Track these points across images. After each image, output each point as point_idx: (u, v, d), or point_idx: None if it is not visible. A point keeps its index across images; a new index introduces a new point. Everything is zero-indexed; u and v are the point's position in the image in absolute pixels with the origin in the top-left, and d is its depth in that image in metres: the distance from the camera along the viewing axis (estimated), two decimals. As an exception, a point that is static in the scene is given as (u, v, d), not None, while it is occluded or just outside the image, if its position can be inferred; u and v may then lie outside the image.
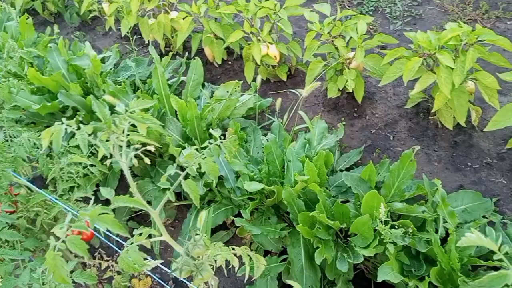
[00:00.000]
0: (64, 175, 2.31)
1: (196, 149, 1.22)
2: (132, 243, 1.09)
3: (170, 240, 1.21)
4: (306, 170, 2.31)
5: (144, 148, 1.12)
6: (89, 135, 1.29)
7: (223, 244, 1.18)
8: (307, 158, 2.40)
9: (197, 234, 1.14)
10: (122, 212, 2.86)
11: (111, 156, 2.85)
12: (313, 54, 3.02)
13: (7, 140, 2.20)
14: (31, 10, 5.06)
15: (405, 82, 2.56)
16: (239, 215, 2.50)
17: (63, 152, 2.44)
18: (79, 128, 1.11)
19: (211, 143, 1.22)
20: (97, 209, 1.02)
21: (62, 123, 1.06)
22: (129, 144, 1.21)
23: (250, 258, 1.21)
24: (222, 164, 2.58)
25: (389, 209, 2.09)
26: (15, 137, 2.31)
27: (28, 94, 2.98)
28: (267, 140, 2.65)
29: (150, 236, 1.12)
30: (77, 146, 2.53)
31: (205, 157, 1.17)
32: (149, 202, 2.66)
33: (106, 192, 1.10)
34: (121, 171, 2.85)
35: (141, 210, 2.80)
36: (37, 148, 2.30)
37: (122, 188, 2.84)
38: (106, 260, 2.26)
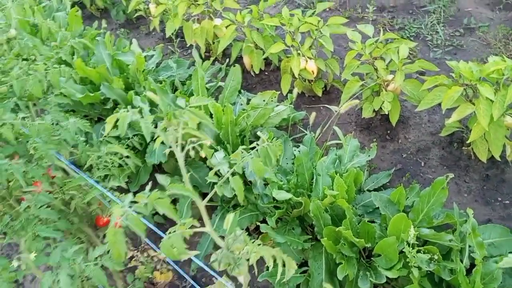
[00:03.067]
0: (100, 164, 2.38)
1: (242, 150, 1.27)
2: (175, 231, 1.14)
3: (211, 231, 1.26)
4: (336, 185, 2.33)
5: (200, 142, 1.17)
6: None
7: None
8: (337, 174, 2.42)
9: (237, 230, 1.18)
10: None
11: (146, 149, 2.89)
12: (351, 73, 3.06)
13: (52, 124, 2.30)
14: (78, 3, 5.25)
15: (443, 110, 2.57)
16: (263, 222, 2.53)
17: (101, 141, 2.53)
18: (142, 116, 1.17)
19: (258, 145, 1.27)
20: (155, 194, 1.08)
21: (128, 111, 1.12)
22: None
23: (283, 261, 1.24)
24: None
25: (417, 234, 2.09)
26: (58, 122, 2.41)
27: (73, 83, 3.10)
28: (298, 151, 2.67)
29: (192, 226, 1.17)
30: (115, 137, 2.63)
31: (253, 157, 1.22)
32: (177, 199, 2.72)
33: (162, 179, 1.15)
34: (153, 166, 2.92)
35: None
36: (76, 134, 2.39)
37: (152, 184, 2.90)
38: (131, 250, 2.31)
